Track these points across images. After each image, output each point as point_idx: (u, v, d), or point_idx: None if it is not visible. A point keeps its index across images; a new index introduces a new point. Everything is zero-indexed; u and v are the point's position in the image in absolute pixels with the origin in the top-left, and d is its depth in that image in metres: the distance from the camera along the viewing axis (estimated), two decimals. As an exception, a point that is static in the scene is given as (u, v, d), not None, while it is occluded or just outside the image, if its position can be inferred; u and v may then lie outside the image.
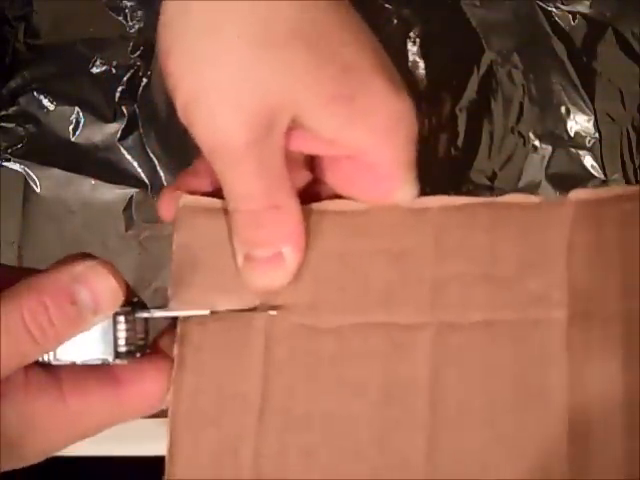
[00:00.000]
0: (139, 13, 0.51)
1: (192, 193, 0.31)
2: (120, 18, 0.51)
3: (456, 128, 0.49)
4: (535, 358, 0.27)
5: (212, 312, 0.30)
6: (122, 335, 0.28)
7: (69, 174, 0.49)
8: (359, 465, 0.28)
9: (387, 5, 0.50)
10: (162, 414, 0.48)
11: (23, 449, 0.27)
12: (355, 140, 0.28)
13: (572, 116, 0.48)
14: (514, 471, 0.27)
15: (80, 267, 0.27)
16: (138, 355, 0.29)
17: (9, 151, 0.50)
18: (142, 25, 0.51)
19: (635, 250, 0.27)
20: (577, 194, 0.28)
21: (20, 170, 0.50)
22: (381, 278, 0.29)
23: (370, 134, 0.28)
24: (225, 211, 0.30)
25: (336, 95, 0.27)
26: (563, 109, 0.49)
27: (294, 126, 0.28)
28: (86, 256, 0.29)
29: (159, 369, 0.30)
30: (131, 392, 0.29)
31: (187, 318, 0.30)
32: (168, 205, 0.31)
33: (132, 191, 0.49)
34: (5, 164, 0.50)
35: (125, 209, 0.49)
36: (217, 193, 0.31)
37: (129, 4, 0.51)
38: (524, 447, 0.27)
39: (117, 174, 0.50)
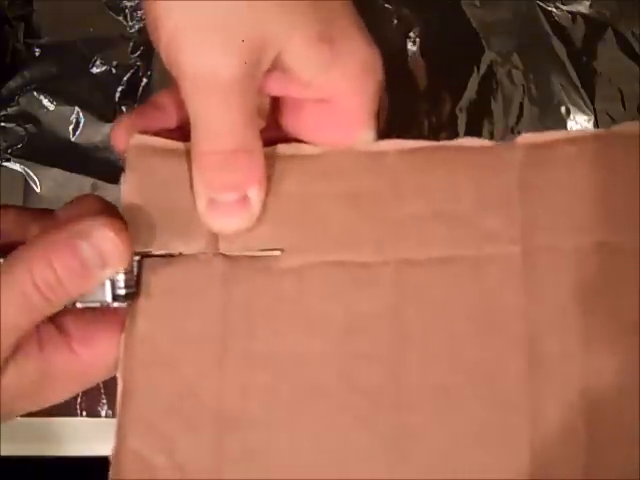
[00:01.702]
0: (139, 13, 0.51)
1: (147, 131, 0.31)
2: (120, 18, 0.51)
3: (456, 128, 0.49)
4: (493, 291, 0.28)
5: (175, 255, 0.30)
6: (120, 277, 0.29)
7: (69, 174, 0.49)
8: (323, 401, 0.28)
9: (387, 5, 0.50)
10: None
11: (41, 397, 0.29)
12: (330, 83, 0.29)
13: (572, 116, 0.48)
14: (477, 400, 0.28)
15: (85, 224, 0.27)
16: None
17: (9, 151, 0.50)
18: (142, 25, 0.51)
19: (581, 190, 0.28)
20: (526, 138, 0.29)
21: (20, 170, 0.50)
22: (340, 219, 0.29)
23: (345, 79, 0.29)
24: (177, 153, 0.30)
25: (320, 36, 0.28)
26: (563, 109, 0.49)
27: (272, 68, 0.28)
28: (94, 203, 0.30)
29: None
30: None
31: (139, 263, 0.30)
32: (122, 136, 0.31)
33: (132, 191, 0.49)
34: (5, 164, 0.50)
35: (125, 209, 0.49)
36: (175, 132, 0.31)
37: (129, 4, 0.51)
38: (486, 376, 0.28)
39: (117, 174, 0.49)
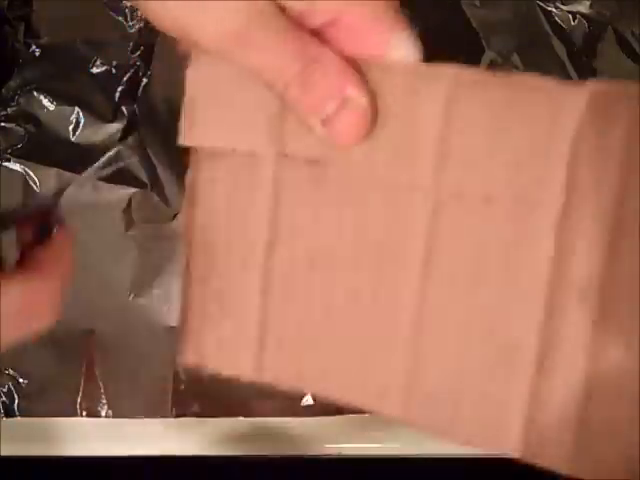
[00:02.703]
0: (139, 13, 0.51)
1: None
2: (120, 18, 0.51)
3: (456, 128, 0.49)
4: (526, 239, 0.28)
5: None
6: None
7: (69, 174, 0.49)
8: (354, 305, 0.30)
9: (387, 5, 0.50)
10: (161, 414, 0.48)
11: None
12: (328, 4, 0.28)
13: (572, 116, 0.48)
14: (488, 341, 0.28)
15: None
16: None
17: (9, 151, 0.50)
18: (142, 25, 0.51)
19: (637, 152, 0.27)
20: (594, 85, 0.28)
21: (20, 170, 0.50)
22: (388, 138, 0.29)
23: None
24: None
25: None
26: (563, 109, 0.49)
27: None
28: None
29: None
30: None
31: (198, 150, 0.31)
32: None
33: (132, 191, 0.49)
34: (5, 164, 0.50)
35: (125, 209, 0.49)
36: None
37: (129, 4, 0.51)
38: (502, 319, 0.28)
39: (117, 174, 0.50)
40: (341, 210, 0.30)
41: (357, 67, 0.29)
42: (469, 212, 0.29)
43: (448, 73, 0.29)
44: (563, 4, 0.50)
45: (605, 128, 0.27)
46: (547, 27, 0.50)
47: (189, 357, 0.33)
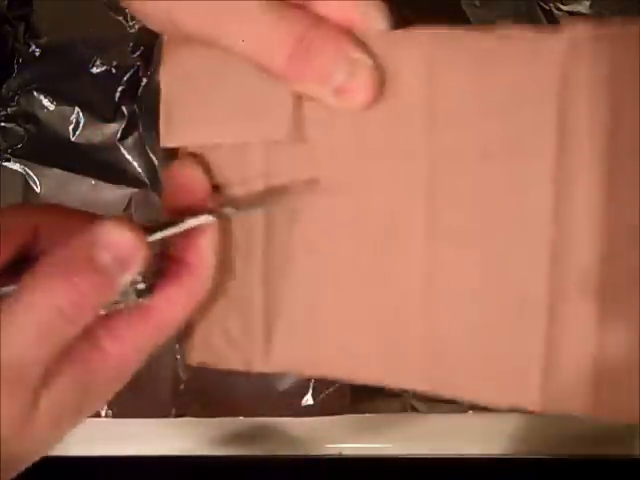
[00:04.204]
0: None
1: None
2: (120, 18, 0.51)
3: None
4: (524, 191, 0.28)
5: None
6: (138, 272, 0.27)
7: (69, 174, 0.49)
8: (363, 282, 0.30)
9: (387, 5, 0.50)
10: (161, 414, 0.48)
11: (85, 407, 0.28)
12: None
13: (572, 116, 0.48)
14: (501, 296, 0.28)
15: (96, 231, 0.26)
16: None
17: (9, 151, 0.50)
18: (142, 25, 0.51)
19: (626, 90, 0.26)
20: (573, 26, 0.27)
21: (20, 170, 0.50)
22: (376, 110, 0.29)
23: None
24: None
25: None
26: (563, 109, 0.49)
27: None
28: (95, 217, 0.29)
29: (181, 280, 0.29)
30: (162, 317, 0.29)
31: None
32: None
33: (132, 191, 0.49)
34: (5, 164, 0.50)
35: (125, 209, 0.49)
36: None
37: (129, 4, 0.51)
38: (511, 273, 0.28)
39: (117, 174, 0.50)
40: (337, 188, 0.30)
41: None
42: (466, 171, 0.28)
43: (424, 35, 0.29)
44: (563, 4, 0.50)
45: (589, 68, 0.26)
46: (547, 27, 0.50)
47: (196, 356, 0.33)
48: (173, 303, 0.29)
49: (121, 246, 0.26)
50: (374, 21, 0.28)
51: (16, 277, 0.26)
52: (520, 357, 0.28)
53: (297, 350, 0.31)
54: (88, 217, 0.30)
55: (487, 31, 0.28)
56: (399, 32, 0.29)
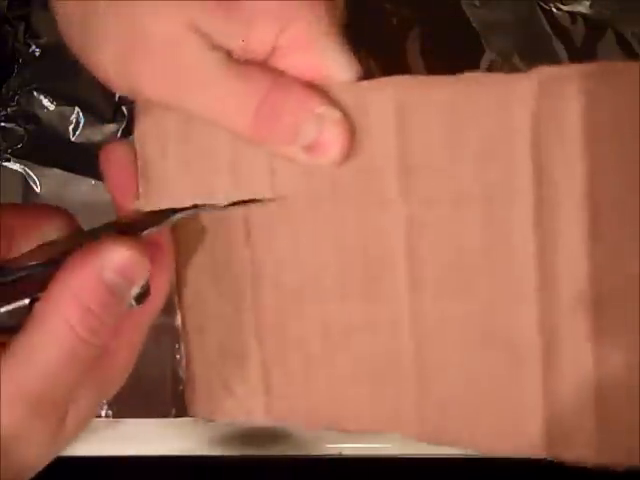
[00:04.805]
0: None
1: None
2: (120, 18, 0.51)
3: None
4: (505, 238, 0.27)
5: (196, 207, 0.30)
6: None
7: (69, 174, 0.49)
8: (350, 332, 0.30)
9: (387, 5, 0.50)
10: (161, 414, 0.48)
11: (98, 405, 0.29)
12: (257, 35, 0.27)
13: (572, 116, 0.48)
14: (489, 344, 0.28)
15: (101, 253, 0.27)
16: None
17: (9, 151, 0.50)
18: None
19: (600, 132, 0.26)
20: (542, 70, 0.27)
21: (20, 170, 0.50)
22: (350, 161, 0.28)
23: (260, 25, 0.27)
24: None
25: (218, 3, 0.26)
26: (563, 109, 0.49)
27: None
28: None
29: (156, 263, 0.30)
30: (152, 301, 0.30)
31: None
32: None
33: (132, 191, 0.49)
34: (5, 164, 0.50)
35: (125, 209, 0.49)
36: None
37: (129, 4, 0.51)
38: (499, 320, 0.28)
39: (117, 174, 0.50)
40: (318, 239, 0.30)
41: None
42: (442, 219, 0.28)
43: (391, 84, 0.28)
44: (563, 4, 0.50)
45: (561, 111, 0.26)
46: (547, 27, 0.50)
47: (200, 410, 0.33)
48: (159, 286, 0.30)
49: (126, 263, 0.27)
50: (340, 72, 0.28)
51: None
52: (518, 404, 0.28)
53: (295, 401, 0.31)
54: (56, 213, 0.32)
55: (455, 78, 0.27)
56: (365, 83, 0.28)
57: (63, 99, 0.50)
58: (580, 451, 0.27)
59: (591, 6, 0.50)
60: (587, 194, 0.26)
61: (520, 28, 0.50)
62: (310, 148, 0.27)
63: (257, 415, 0.32)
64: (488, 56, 0.49)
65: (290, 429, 0.47)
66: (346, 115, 0.28)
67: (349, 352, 0.30)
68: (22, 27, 0.51)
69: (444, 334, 0.28)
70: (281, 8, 0.27)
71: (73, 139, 0.50)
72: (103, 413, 0.46)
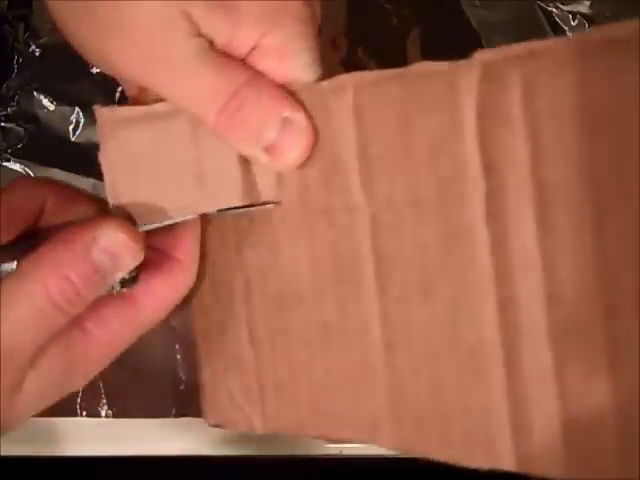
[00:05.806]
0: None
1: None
2: (120, 18, 0.51)
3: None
4: (460, 234, 0.26)
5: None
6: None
7: (69, 174, 0.49)
8: (326, 339, 0.30)
9: (387, 5, 0.50)
10: (161, 414, 0.48)
11: (67, 385, 0.29)
12: (244, 35, 0.28)
13: (572, 116, 0.48)
14: (455, 349, 0.27)
15: (95, 231, 0.28)
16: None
17: (9, 151, 0.50)
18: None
19: (540, 116, 0.25)
20: (483, 54, 0.26)
21: (20, 170, 0.50)
22: (315, 163, 0.29)
23: (257, 16, 0.27)
24: (149, 117, 0.30)
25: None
26: (563, 109, 0.49)
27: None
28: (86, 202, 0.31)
29: (166, 274, 0.30)
30: (147, 306, 0.30)
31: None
32: None
33: (132, 191, 0.49)
34: (5, 164, 0.50)
35: (125, 209, 0.49)
36: None
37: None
38: (461, 322, 0.27)
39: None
40: (293, 247, 0.30)
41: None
42: (403, 219, 0.27)
43: (349, 83, 0.28)
44: (563, 4, 0.50)
45: (503, 96, 0.25)
46: (547, 27, 0.50)
47: (213, 418, 0.33)
48: (158, 294, 0.30)
49: (117, 247, 0.28)
50: (302, 74, 0.29)
51: (21, 251, 0.28)
52: (485, 413, 0.26)
53: (286, 412, 0.31)
54: (91, 201, 0.32)
55: (405, 70, 0.27)
56: (326, 82, 0.28)
57: (63, 99, 0.50)
58: (551, 468, 0.26)
59: (591, 6, 0.50)
60: (534, 182, 0.25)
61: (520, 28, 0.50)
62: (270, 149, 0.28)
63: (257, 425, 0.32)
64: (488, 56, 0.49)
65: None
66: (310, 118, 0.28)
67: (327, 359, 0.30)
68: (22, 27, 0.51)
69: (411, 339, 0.28)
70: (273, 15, 0.27)
71: (73, 139, 0.50)
72: (103, 413, 0.46)
